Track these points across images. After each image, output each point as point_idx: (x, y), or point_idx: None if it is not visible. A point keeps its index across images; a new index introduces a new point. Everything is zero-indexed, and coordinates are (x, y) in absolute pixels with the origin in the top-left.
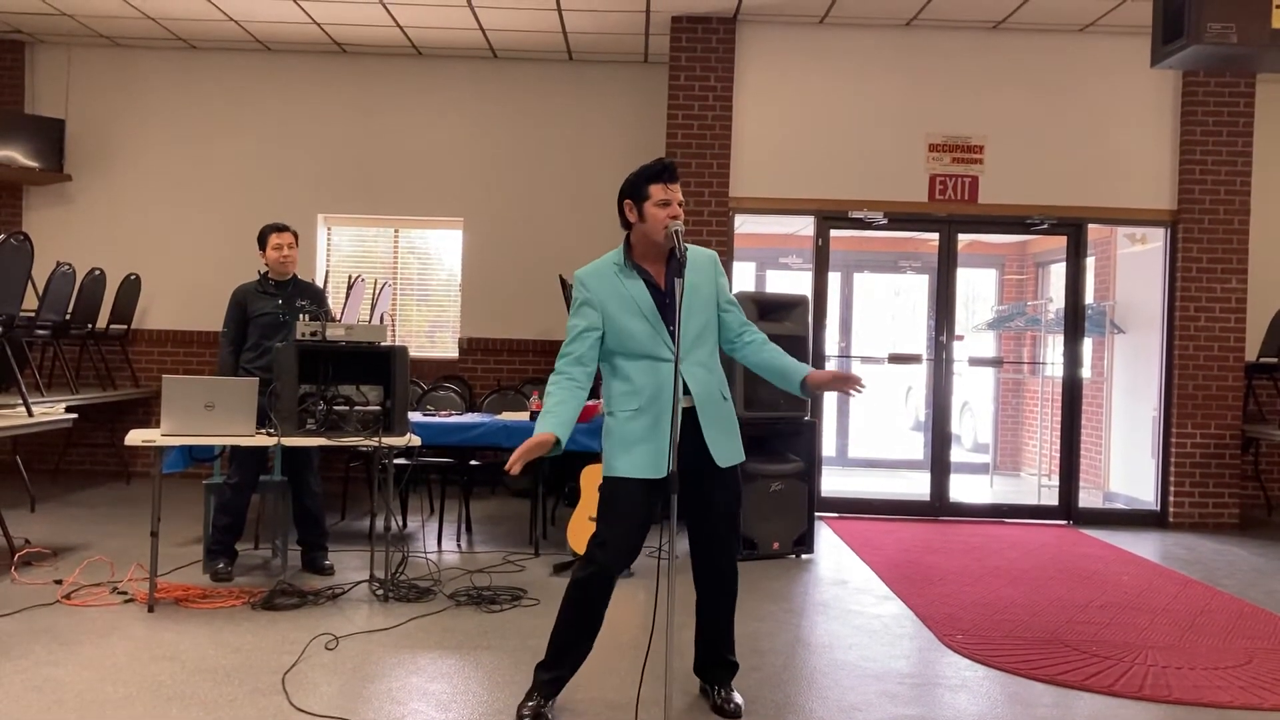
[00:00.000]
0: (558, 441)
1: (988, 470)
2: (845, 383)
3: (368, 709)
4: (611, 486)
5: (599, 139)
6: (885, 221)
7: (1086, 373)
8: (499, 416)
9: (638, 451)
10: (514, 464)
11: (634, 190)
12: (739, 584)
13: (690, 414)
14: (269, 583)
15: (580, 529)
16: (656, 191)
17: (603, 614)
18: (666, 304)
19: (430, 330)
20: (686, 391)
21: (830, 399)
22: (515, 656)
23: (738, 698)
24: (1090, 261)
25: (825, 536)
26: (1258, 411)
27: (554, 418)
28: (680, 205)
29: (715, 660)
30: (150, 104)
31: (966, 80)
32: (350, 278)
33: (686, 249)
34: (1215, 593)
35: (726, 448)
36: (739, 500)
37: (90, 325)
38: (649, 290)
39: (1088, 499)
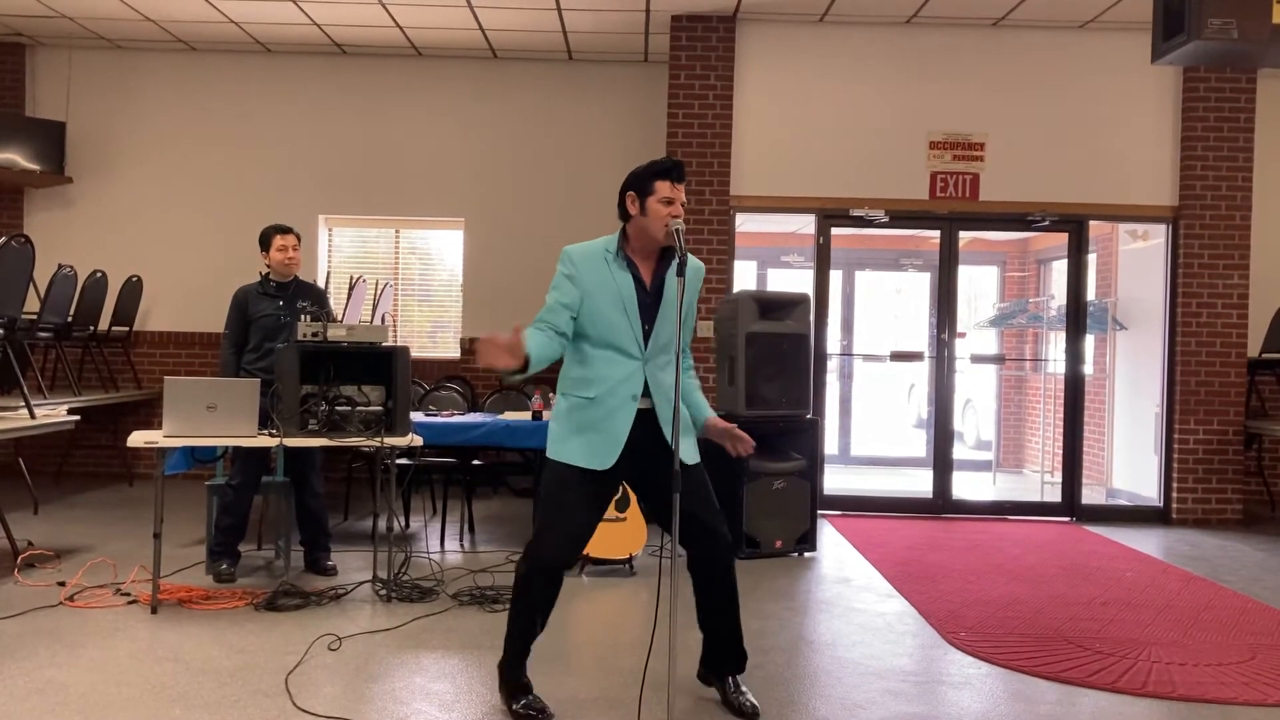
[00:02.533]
0: (526, 359)
1: (990, 467)
2: (733, 439)
3: (371, 709)
4: (551, 473)
5: (599, 138)
6: (886, 219)
7: (1089, 369)
8: (501, 416)
9: (583, 440)
10: (482, 350)
11: (639, 183)
12: (737, 579)
13: (649, 416)
14: (272, 584)
15: None
16: (662, 188)
17: (552, 601)
18: (648, 303)
19: (432, 330)
20: (646, 393)
21: (832, 398)
22: None
23: (752, 697)
24: (1092, 258)
25: (828, 534)
26: (1260, 407)
27: (531, 343)
28: (683, 206)
29: (725, 652)
30: (151, 106)
31: (967, 77)
32: (351, 278)
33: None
34: (1218, 589)
35: (687, 445)
36: (706, 490)
37: (92, 327)
38: (635, 285)
39: (1090, 495)
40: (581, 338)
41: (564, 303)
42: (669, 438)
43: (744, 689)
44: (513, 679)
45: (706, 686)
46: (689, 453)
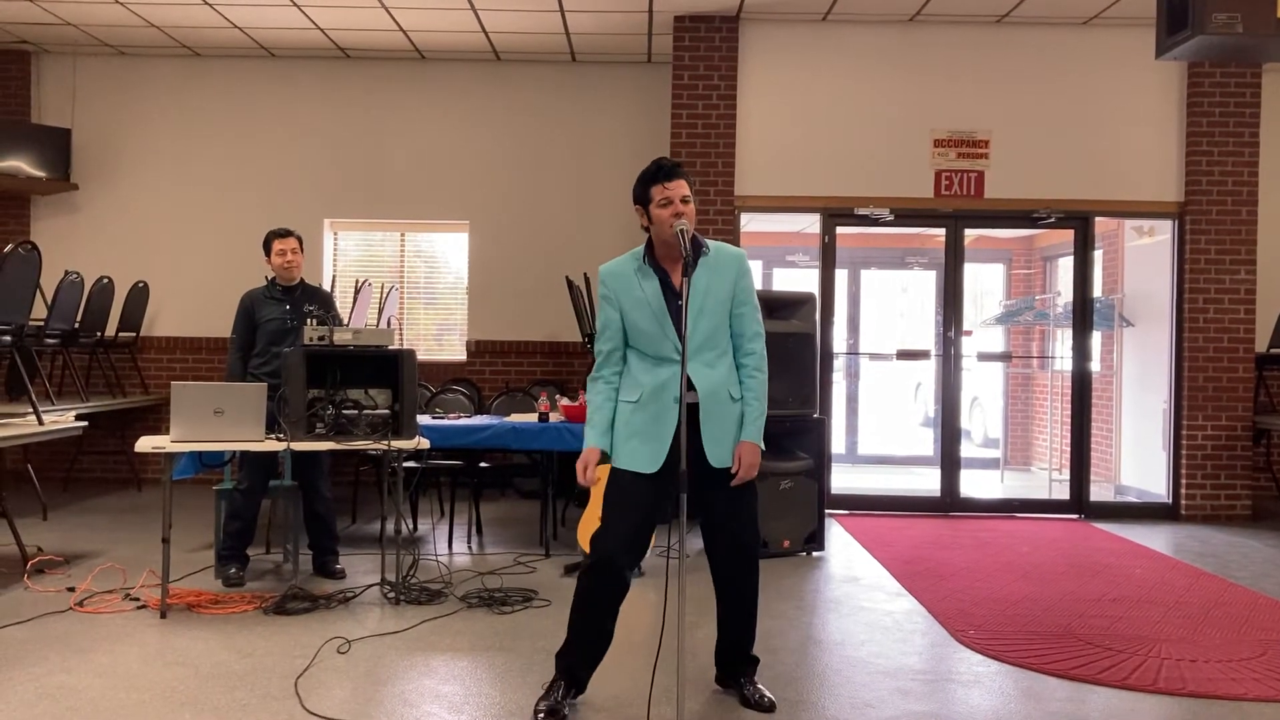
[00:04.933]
0: (604, 453)
1: (998, 465)
2: (740, 469)
3: (380, 712)
4: (611, 477)
5: (603, 140)
6: (891, 218)
7: (1096, 366)
8: (508, 418)
9: (634, 445)
10: (588, 481)
11: (638, 194)
12: (757, 590)
13: (693, 412)
14: (280, 587)
15: (590, 529)
16: (656, 193)
17: (614, 607)
18: (679, 305)
19: (438, 333)
20: (692, 388)
21: (839, 397)
22: (527, 658)
23: (768, 693)
24: (1098, 255)
25: (836, 534)
26: (1269, 403)
27: (594, 430)
28: (685, 201)
29: (738, 657)
30: (155, 112)
31: (971, 75)
32: (357, 282)
33: (708, 249)
34: (1228, 585)
35: (724, 449)
36: (745, 500)
37: (99, 333)
38: (663, 290)
39: (1099, 492)
40: (628, 348)
41: (605, 322)
42: (705, 437)
43: (760, 686)
44: (562, 672)
45: (725, 689)
46: (728, 455)
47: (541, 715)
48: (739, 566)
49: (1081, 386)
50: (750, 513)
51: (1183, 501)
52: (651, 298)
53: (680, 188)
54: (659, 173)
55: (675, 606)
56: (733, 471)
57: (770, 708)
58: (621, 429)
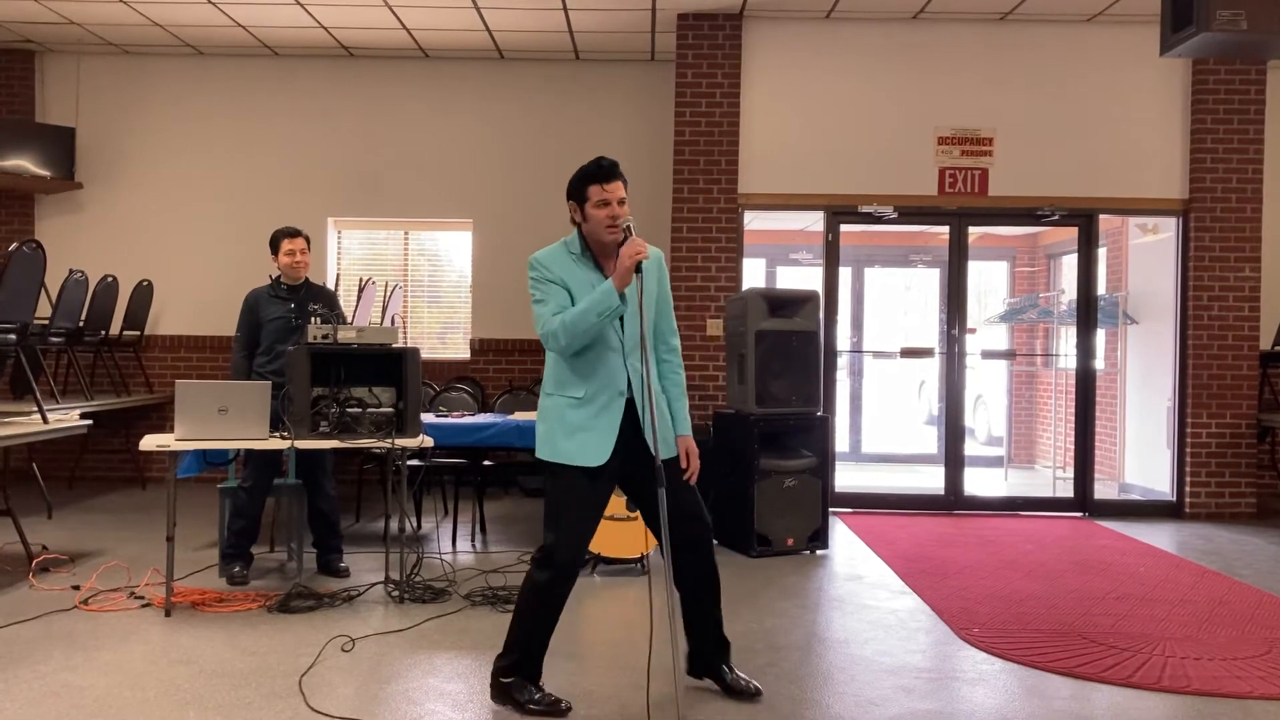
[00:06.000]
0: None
1: (1002, 463)
2: (690, 463)
3: (384, 710)
4: (554, 478)
5: (607, 138)
6: (895, 215)
7: (1100, 364)
8: (511, 417)
9: (581, 439)
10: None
11: (574, 191)
12: (719, 576)
13: (630, 409)
14: (285, 586)
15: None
16: (594, 192)
17: (565, 601)
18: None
19: (441, 331)
20: (629, 383)
21: (843, 395)
22: None
23: (749, 678)
24: (1102, 252)
25: (839, 532)
26: (1273, 400)
27: (598, 291)
28: (621, 203)
29: (713, 641)
30: (159, 110)
31: (974, 72)
32: (361, 280)
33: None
34: (1233, 583)
35: (663, 440)
36: (685, 488)
37: (103, 332)
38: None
39: (1103, 490)
40: None
41: (558, 301)
42: (646, 431)
43: (739, 673)
44: (526, 675)
45: (699, 680)
46: (665, 447)
47: (542, 713)
48: (696, 536)
49: (1085, 384)
50: (690, 484)
51: (1187, 499)
52: (596, 284)
53: (618, 190)
54: (598, 172)
55: (665, 602)
56: (683, 466)
57: (757, 694)
58: (564, 425)
